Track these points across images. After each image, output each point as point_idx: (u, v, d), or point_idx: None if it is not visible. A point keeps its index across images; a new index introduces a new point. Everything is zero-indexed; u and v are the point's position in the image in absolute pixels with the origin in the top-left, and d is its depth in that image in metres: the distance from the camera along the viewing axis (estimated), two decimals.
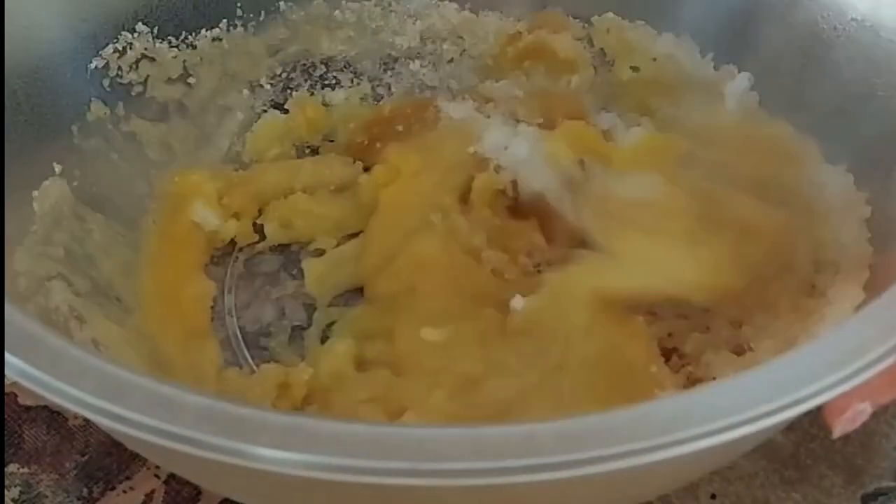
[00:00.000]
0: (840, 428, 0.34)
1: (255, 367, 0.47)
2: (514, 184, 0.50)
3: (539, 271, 0.48)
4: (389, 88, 0.59)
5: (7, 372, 0.27)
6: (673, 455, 0.26)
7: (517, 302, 0.44)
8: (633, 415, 0.26)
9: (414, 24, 0.59)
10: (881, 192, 0.42)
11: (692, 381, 0.43)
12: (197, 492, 0.44)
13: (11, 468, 0.45)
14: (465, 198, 0.50)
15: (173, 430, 0.25)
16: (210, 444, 0.25)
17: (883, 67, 0.43)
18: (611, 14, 0.56)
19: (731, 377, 0.28)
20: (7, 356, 0.27)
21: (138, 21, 0.51)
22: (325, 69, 0.58)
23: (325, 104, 0.57)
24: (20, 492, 0.44)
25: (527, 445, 0.25)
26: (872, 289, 0.36)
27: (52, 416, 0.46)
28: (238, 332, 0.49)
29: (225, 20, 0.55)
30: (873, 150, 0.43)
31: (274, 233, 0.52)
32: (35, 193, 0.45)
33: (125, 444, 0.35)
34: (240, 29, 0.55)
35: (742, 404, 0.27)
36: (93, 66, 0.50)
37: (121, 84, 0.51)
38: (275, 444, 0.25)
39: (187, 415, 0.25)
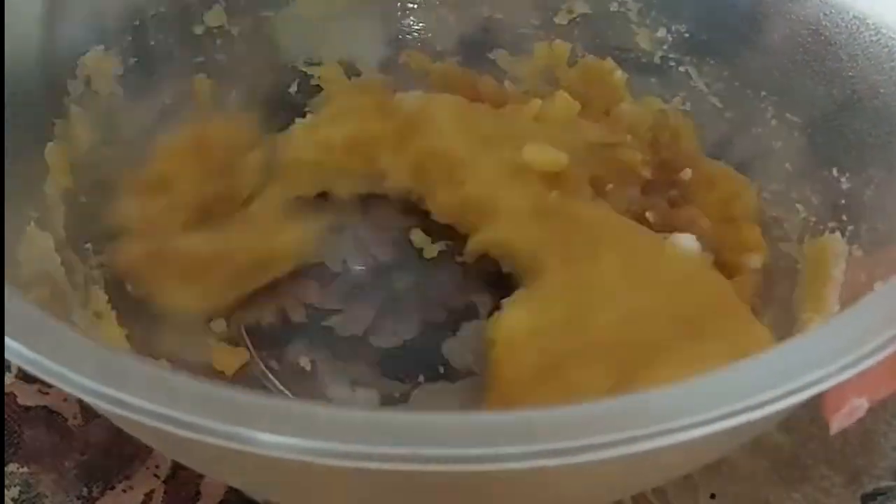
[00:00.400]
0: (836, 424, 0.34)
1: (264, 368, 0.47)
2: None
3: None
4: None
5: (7, 355, 0.27)
6: (673, 442, 0.26)
7: None
8: (633, 401, 0.26)
9: None
10: (881, 189, 0.43)
11: None
12: (196, 492, 0.44)
13: (11, 468, 0.45)
14: None
15: (172, 415, 0.25)
16: (209, 428, 0.25)
17: (885, 65, 0.43)
18: None
19: (731, 367, 0.28)
20: (7, 340, 0.27)
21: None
22: None
23: None
24: (20, 491, 0.44)
25: (525, 432, 0.26)
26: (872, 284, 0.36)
27: (52, 416, 0.46)
28: (243, 332, 0.49)
29: None
30: (875, 148, 0.43)
31: None
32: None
33: (127, 431, 0.35)
34: None
35: (744, 391, 0.26)
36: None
37: None
38: (274, 429, 0.25)
39: (186, 399, 0.25)
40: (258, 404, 0.26)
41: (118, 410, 0.25)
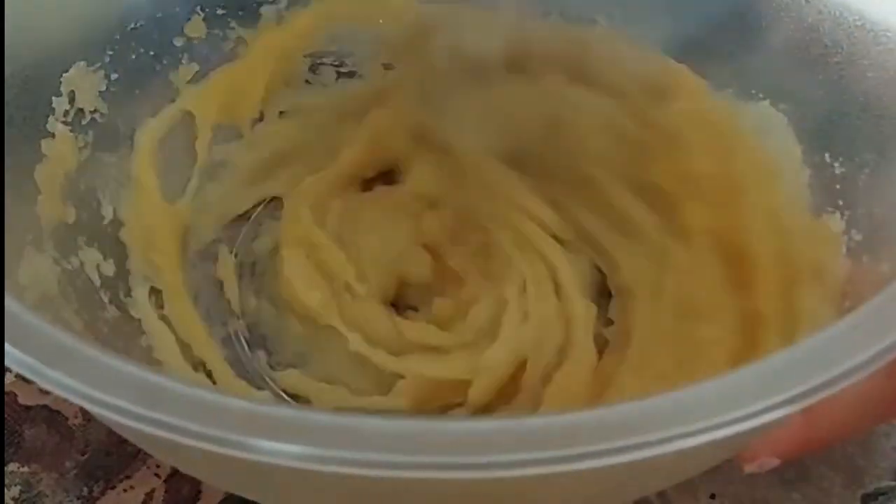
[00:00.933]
0: (748, 468, 0.37)
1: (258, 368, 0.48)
2: None
3: None
4: None
5: (9, 363, 0.27)
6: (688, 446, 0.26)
7: None
8: (638, 407, 0.26)
9: None
10: (875, 173, 0.43)
11: None
12: (197, 491, 0.44)
13: (11, 467, 0.45)
14: None
15: (169, 421, 0.25)
16: (207, 435, 0.25)
17: (871, 49, 0.43)
18: None
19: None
20: (9, 348, 0.27)
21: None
22: None
23: None
24: (20, 491, 0.44)
25: (519, 441, 0.26)
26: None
27: (52, 416, 0.46)
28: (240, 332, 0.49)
29: None
30: (864, 132, 0.43)
31: None
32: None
33: (127, 438, 0.35)
34: None
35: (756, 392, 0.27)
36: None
37: None
38: (272, 436, 0.25)
39: (182, 405, 0.25)
40: (257, 411, 0.25)
41: (116, 417, 0.25)
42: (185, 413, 0.25)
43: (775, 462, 0.36)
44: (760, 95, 0.49)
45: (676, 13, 0.51)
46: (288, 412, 0.26)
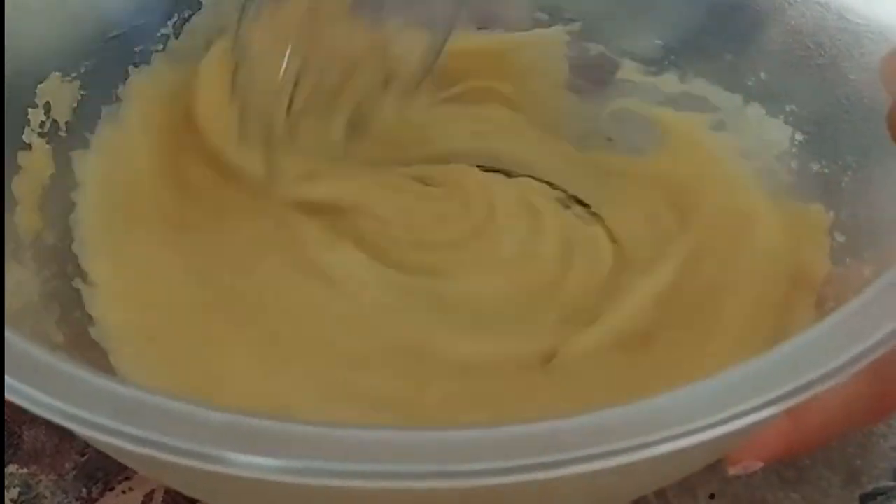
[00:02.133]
0: (732, 471, 0.36)
1: None
2: None
3: None
4: None
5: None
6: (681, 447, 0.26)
7: None
8: (640, 409, 0.26)
9: None
10: (858, 175, 0.43)
11: None
12: None
13: (11, 469, 0.45)
14: None
15: (144, 436, 0.25)
16: (184, 450, 0.25)
17: (853, 51, 0.43)
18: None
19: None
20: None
21: None
22: None
23: None
24: (19, 492, 0.44)
25: (508, 446, 0.26)
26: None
27: None
28: None
29: None
30: (848, 134, 0.43)
31: None
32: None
33: (108, 454, 0.35)
34: None
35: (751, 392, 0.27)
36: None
37: None
38: (246, 450, 0.25)
39: (160, 419, 0.25)
40: (232, 422, 0.25)
41: (89, 432, 0.25)
42: (162, 428, 0.25)
43: (759, 464, 0.36)
44: (746, 98, 0.49)
45: (666, 17, 0.51)
46: (267, 424, 0.26)
